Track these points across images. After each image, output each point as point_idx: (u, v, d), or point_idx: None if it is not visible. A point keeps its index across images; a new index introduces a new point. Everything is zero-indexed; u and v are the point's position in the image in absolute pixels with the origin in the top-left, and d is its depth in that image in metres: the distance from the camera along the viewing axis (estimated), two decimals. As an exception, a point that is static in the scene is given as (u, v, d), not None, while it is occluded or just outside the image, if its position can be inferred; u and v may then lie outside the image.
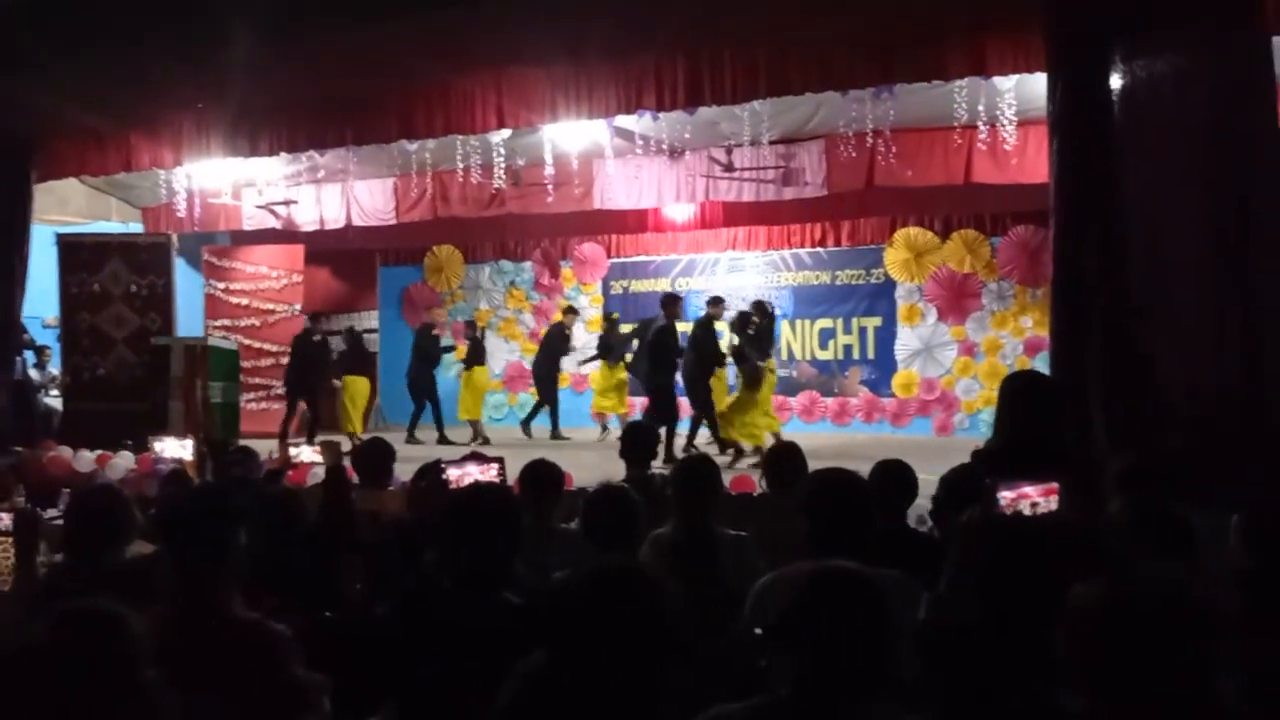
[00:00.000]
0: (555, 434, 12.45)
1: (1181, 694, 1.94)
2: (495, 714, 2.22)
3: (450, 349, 13.31)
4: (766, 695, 2.06)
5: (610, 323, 12.82)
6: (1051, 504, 3.26)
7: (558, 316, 13.40)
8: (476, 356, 12.57)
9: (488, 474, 4.41)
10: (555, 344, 12.74)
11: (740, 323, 10.50)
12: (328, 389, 12.38)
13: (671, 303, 10.58)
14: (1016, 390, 3.91)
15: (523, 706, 2.19)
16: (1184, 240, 5.60)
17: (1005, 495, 3.24)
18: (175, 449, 5.72)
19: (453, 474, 4.47)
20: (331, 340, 14.67)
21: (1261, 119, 5.58)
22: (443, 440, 11.84)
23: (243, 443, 6.56)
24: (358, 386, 12.41)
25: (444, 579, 2.90)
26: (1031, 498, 3.25)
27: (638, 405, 13.69)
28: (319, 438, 9.89)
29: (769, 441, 9.83)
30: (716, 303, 10.87)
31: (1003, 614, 2.58)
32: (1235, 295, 5.45)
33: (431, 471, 4.68)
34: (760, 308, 10.80)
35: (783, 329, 13.08)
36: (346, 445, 10.86)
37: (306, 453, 5.43)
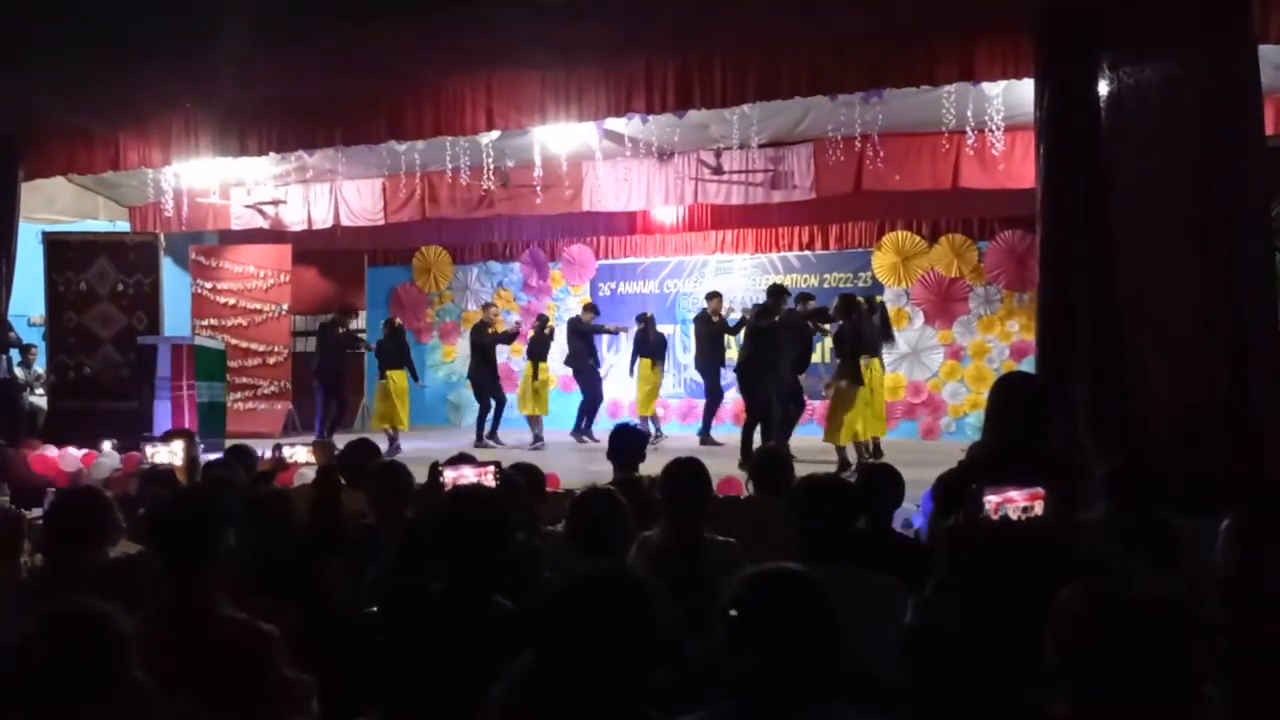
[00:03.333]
0: (585, 432, 12.17)
1: (1166, 699, 1.95)
2: (482, 716, 2.23)
3: (508, 338, 12.74)
4: (719, 704, 2.05)
5: (646, 321, 12.44)
6: (1037, 509, 3.27)
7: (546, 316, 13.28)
8: (540, 351, 12.22)
9: (484, 477, 4.40)
10: (584, 338, 12.29)
11: (846, 308, 9.68)
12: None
13: (777, 294, 9.91)
14: (1005, 393, 3.92)
15: (510, 709, 2.19)
16: (1170, 246, 5.62)
17: (991, 500, 3.25)
18: (165, 455, 5.70)
19: (449, 476, 4.46)
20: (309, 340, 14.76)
21: (1248, 126, 5.62)
22: (481, 443, 11.61)
23: (242, 442, 6.50)
24: (401, 382, 11.94)
25: (434, 581, 2.90)
26: (1017, 502, 3.26)
27: (674, 407, 13.78)
28: (312, 439, 9.79)
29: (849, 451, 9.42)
30: (806, 298, 10.53)
31: (987, 618, 2.59)
32: (1222, 301, 5.48)
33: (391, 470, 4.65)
34: (863, 303, 10.14)
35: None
36: (385, 444, 10.84)
37: (300, 453, 5.40)
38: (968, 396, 12.77)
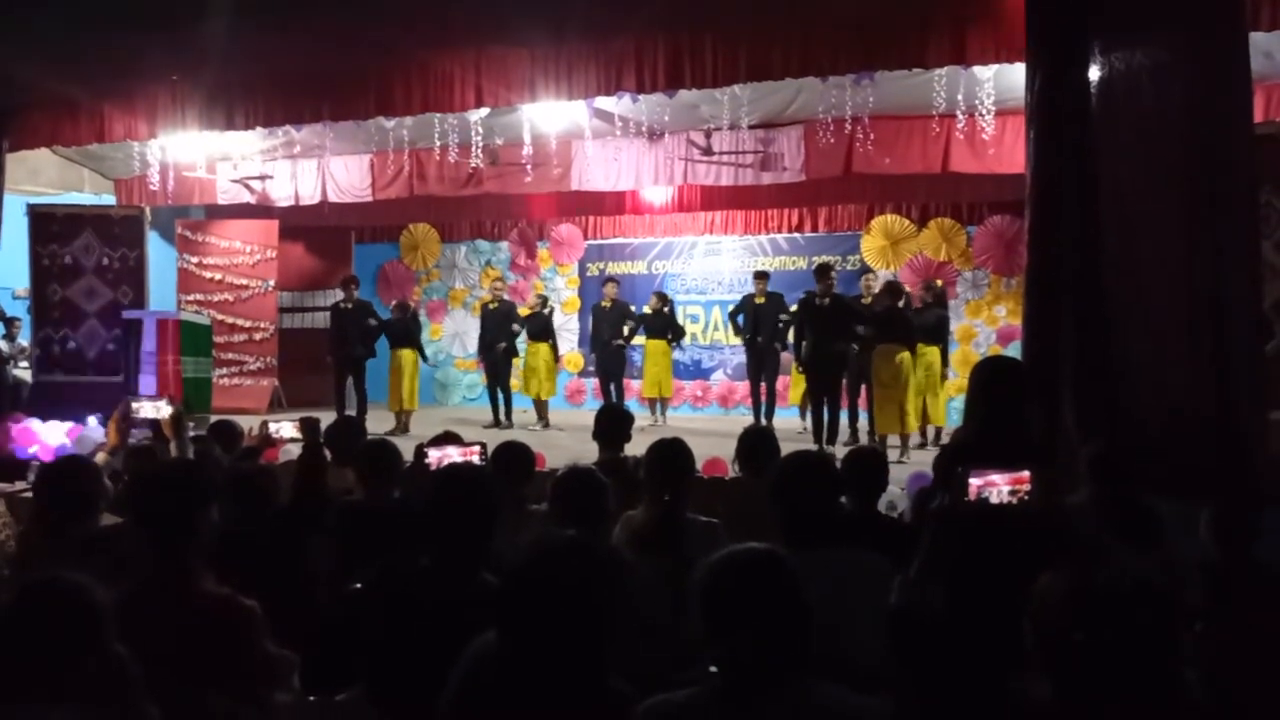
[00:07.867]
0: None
1: (1147, 683, 1.96)
2: (445, 695, 2.22)
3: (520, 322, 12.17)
4: (705, 683, 2.05)
5: (661, 300, 12.22)
6: (1021, 492, 3.28)
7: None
8: (543, 332, 12.00)
9: (469, 457, 4.40)
10: (613, 318, 12.06)
11: (892, 293, 9.71)
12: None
13: (824, 274, 9.65)
14: (987, 376, 3.92)
15: (470, 687, 2.18)
16: (1158, 233, 5.63)
17: (974, 483, 3.26)
18: (150, 410, 5.69)
19: (432, 456, 4.45)
20: (309, 316, 14.71)
21: (1237, 114, 5.62)
22: (496, 424, 11.53)
23: (226, 418, 6.47)
24: (410, 360, 11.64)
25: (422, 558, 2.89)
26: (1001, 486, 3.26)
27: (687, 389, 13.82)
28: (300, 416, 9.69)
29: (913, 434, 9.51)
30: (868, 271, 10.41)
31: (970, 602, 2.60)
32: (1209, 287, 5.49)
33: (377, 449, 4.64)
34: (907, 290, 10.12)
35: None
36: (391, 423, 10.79)
37: (286, 429, 5.38)
38: (954, 380, 12.79)
